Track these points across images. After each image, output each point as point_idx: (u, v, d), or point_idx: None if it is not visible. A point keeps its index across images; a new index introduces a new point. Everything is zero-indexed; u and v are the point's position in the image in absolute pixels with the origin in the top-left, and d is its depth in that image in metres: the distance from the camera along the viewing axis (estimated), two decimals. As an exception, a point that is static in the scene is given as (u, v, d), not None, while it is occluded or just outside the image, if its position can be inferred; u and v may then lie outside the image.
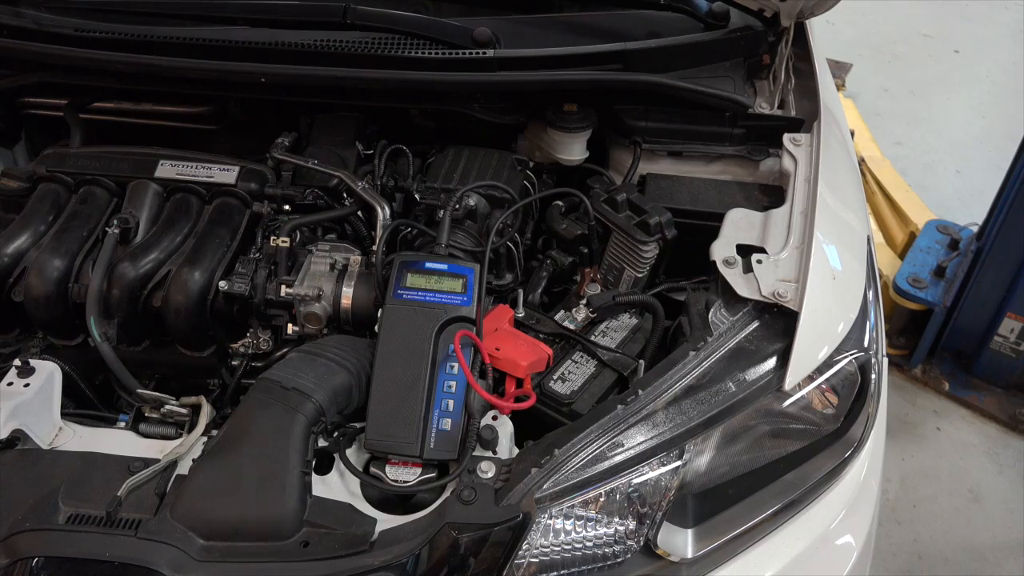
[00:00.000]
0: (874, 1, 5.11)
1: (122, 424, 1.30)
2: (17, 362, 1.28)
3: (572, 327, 1.45)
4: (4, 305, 1.45)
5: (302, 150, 1.68)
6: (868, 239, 1.47)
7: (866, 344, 1.31)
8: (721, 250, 1.37)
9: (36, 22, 1.60)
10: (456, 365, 1.25)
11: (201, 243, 1.48)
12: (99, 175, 1.56)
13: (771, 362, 1.25)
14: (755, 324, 1.28)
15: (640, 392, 1.20)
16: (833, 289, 1.31)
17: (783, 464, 1.26)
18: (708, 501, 1.22)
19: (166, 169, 1.57)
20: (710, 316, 1.29)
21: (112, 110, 1.80)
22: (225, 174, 1.57)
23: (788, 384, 1.23)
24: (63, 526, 1.09)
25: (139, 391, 1.30)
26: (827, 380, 1.27)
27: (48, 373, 1.29)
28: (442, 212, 1.46)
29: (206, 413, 1.26)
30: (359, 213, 1.59)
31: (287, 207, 1.57)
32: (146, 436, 1.26)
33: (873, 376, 1.30)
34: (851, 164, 1.65)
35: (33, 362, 1.29)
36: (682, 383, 1.21)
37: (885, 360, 1.37)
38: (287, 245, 1.46)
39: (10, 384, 1.25)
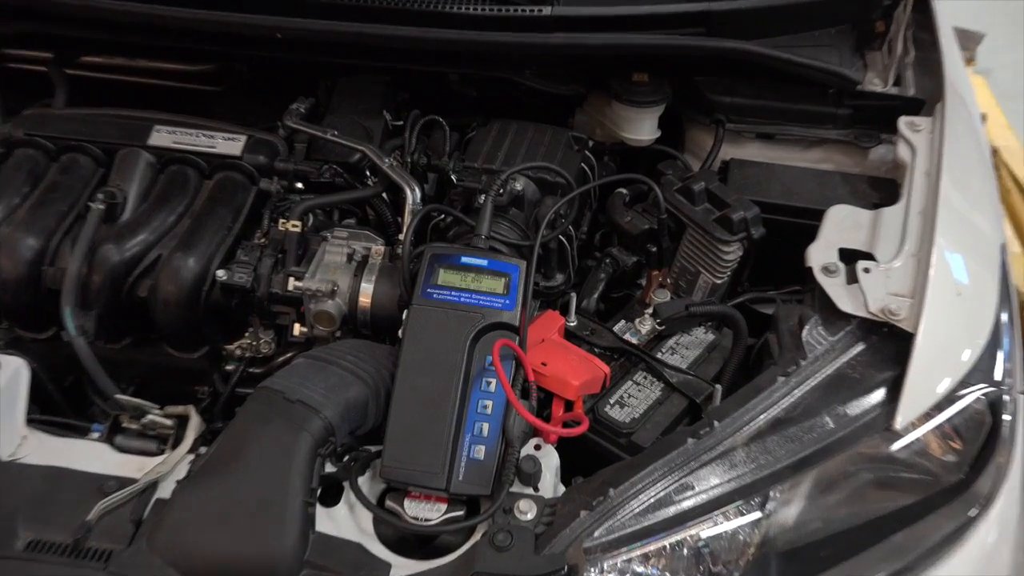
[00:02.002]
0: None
1: (95, 435, 1.30)
2: (-23, 357, 1.30)
3: (634, 341, 1.44)
4: (-33, 289, 1.47)
5: (320, 119, 1.68)
6: (1002, 247, 1.44)
7: (998, 377, 1.27)
8: (820, 255, 1.35)
9: (17, -38, 1.64)
10: (494, 381, 1.24)
11: (198, 224, 1.48)
12: (84, 141, 1.57)
13: (878, 394, 1.22)
14: (860, 347, 1.26)
15: (716, 424, 1.18)
16: (958, 308, 1.29)
17: (890, 522, 1.22)
18: (796, 563, 1.19)
19: (161, 136, 1.58)
20: (804, 335, 1.27)
21: (102, 66, 1.82)
22: (229, 144, 1.58)
23: (899, 423, 1.20)
24: (21, 554, 1.10)
25: (117, 396, 1.30)
26: (948, 420, 1.24)
27: (13, 371, 1.29)
28: (483, 197, 1.45)
29: (194, 426, 1.26)
30: (384, 195, 1.59)
31: (300, 185, 1.58)
32: (123, 451, 1.26)
33: (1007, 417, 1.27)
34: (982, 155, 1.62)
35: (-4, 357, 1.31)
36: (767, 415, 1.20)
37: (1022, 398, 1.32)
38: (298, 230, 1.46)
39: (-33, 382, 1.28)
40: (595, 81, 1.73)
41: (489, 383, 1.24)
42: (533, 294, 1.39)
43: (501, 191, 1.48)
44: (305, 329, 1.45)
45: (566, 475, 1.24)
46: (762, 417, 1.19)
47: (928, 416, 1.22)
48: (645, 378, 1.38)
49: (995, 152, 3.26)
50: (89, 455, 1.24)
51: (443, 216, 1.54)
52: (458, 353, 1.24)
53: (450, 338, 1.25)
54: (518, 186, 1.53)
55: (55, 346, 1.46)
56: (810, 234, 1.39)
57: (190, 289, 1.42)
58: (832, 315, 1.28)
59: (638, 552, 1.11)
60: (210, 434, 1.30)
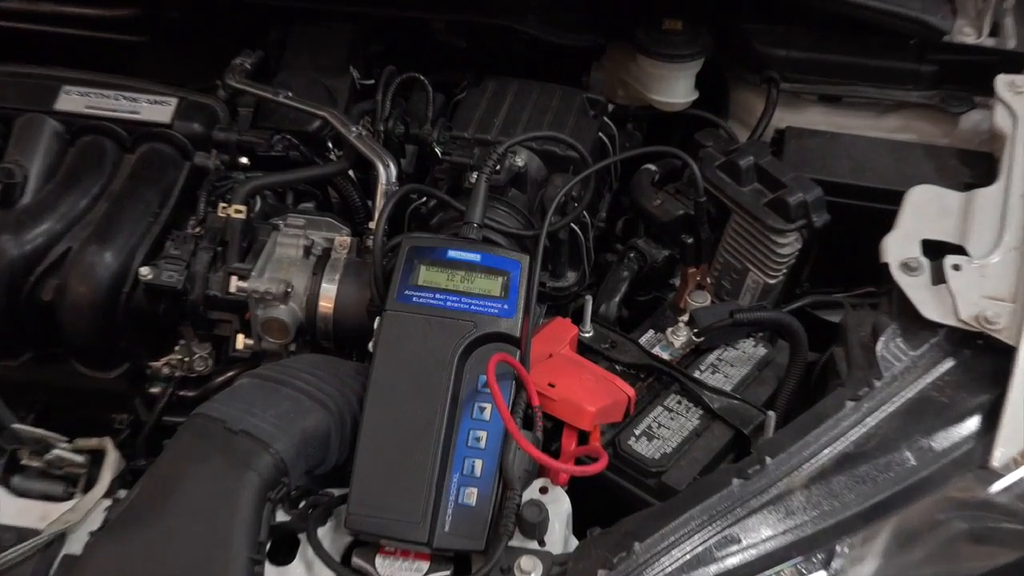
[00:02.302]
0: None
1: (-12, 475, 1.30)
2: None
3: (666, 356, 1.45)
4: None
5: (270, 77, 1.69)
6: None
7: (1122, 402, 1.27)
8: (898, 248, 1.35)
9: None
10: (489, 407, 1.24)
11: (117, 209, 1.49)
12: None
13: (972, 423, 1.22)
14: (948, 363, 1.26)
15: (768, 461, 1.18)
16: (1071, 315, 1.29)
17: (990, 584, 1.22)
18: (871, 637, 1.19)
19: (71, 99, 1.60)
20: (879, 348, 1.27)
21: (-3, 11, 1.83)
22: (156, 109, 1.59)
23: (998, 459, 1.19)
24: None
25: (14, 427, 1.29)
26: (1061, 455, 1.24)
27: None
28: (475, 175, 1.45)
29: (111, 464, 1.25)
30: (351, 172, 1.60)
31: (244, 160, 1.59)
32: (22, 494, 1.25)
33: None
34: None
35: None
36: (833, 450, 1.19)
37: None
38: (242, 216, 1.46)
39: None
40: (616, 29, 1.73)
41: (483, 409, 1.24)
42: (539, 297, 1.38)
43: (498, 167, 1.47)
44: (251, 341, 1.45)
45: (579, 525, 1.23)
46: (826, 452, 1.18)
47: (1035, 450, 1.22)
48: (679, 403, 1.38)
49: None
50: (-21, 500, 1.24)
51: (425, 199, 1.54)
52: (443, 371, 1.23)
53: (434, 352, 1.25)
54: (519, 161, 1.53)
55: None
56: (886, 221, 1.39)
57: (106, 291, 1.42)
58: (914, 324, 1.28)
59: (671, 622, 1.12)
60: (131, 474, 1.29)
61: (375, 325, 1.30)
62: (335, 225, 1.51)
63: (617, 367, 1.41)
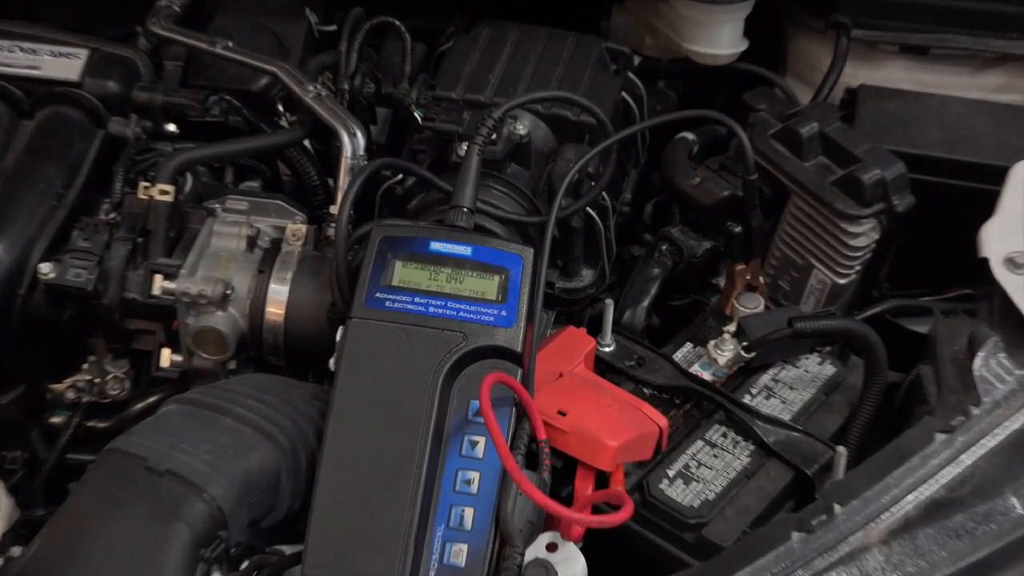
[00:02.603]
0: None
1: None
2: None
3: (708, 377, 1.45)
4: None
5: (205, 22, 1.70)
6: None
7: None
8: (1001, 239, 1.35)
9: None
10: (482, 440, 1.24)
11: (11, 191, 1.50)
12: None
13: None
14: None
15: (837, 509, 1.17)
16: None
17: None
18: None
19: None
20: (977, 366, 1.27)
21: None
22: (62, 63, 1.61)
23: None
24: None
25: None
26: None
27: None
28: (465, 147, 1.45)
29: (3, 513, 1.26)
30: (307, 143, 1.61)
31: (172, 127, 1.59)
32: None
33: None
34: None
35: None
36: (919, 496, 1.19)
37: None
38: (169, 199, 1.47)
39: None
40: (643, -39, 1.74)
41: (474, 444, 1.24)
42: (546, 300, 1.39)
43: (494, 136, 1.47)
44: (179, 357, 1.45)
45: (598, 591, 1.24)
46: (911, 498, 1.18)
47: None
48: (724, 436, 1.38)
49: None
50: None
51: (401, 177, 1.55)
52: (424, 396, 1.23)
53: (412, 371, 1.24)
54: (521, 129, 1.53)
55: None
56: (986, 206, 1.39)
57: (-2, 293, 1.43)
58: (1021, 335, 1.28)
59: None
60: (27, 527, 1.30)
61: (338, 337, 1.30)
62: (287, 210, 1.52)
63: (646, 390, 1.41)
